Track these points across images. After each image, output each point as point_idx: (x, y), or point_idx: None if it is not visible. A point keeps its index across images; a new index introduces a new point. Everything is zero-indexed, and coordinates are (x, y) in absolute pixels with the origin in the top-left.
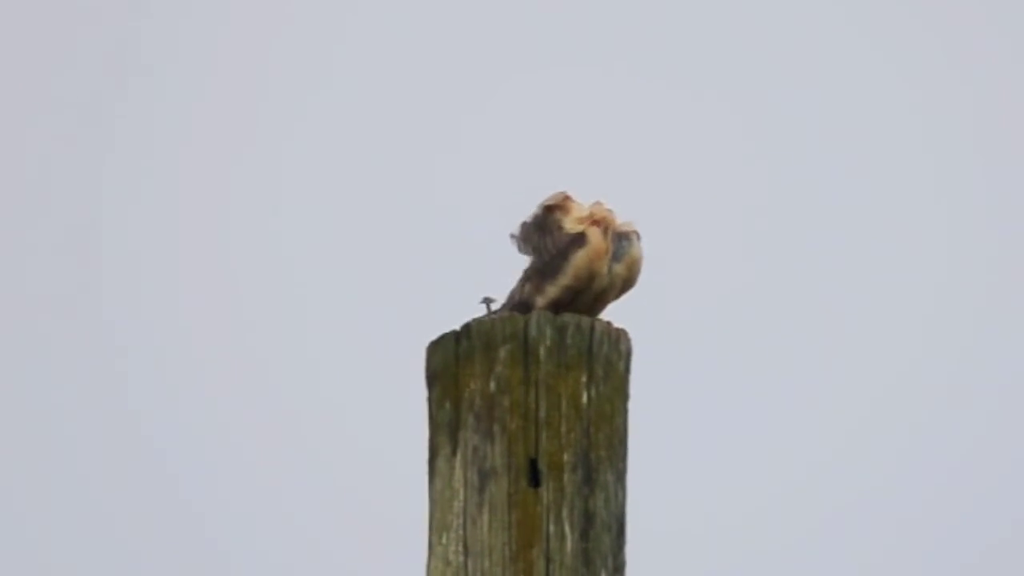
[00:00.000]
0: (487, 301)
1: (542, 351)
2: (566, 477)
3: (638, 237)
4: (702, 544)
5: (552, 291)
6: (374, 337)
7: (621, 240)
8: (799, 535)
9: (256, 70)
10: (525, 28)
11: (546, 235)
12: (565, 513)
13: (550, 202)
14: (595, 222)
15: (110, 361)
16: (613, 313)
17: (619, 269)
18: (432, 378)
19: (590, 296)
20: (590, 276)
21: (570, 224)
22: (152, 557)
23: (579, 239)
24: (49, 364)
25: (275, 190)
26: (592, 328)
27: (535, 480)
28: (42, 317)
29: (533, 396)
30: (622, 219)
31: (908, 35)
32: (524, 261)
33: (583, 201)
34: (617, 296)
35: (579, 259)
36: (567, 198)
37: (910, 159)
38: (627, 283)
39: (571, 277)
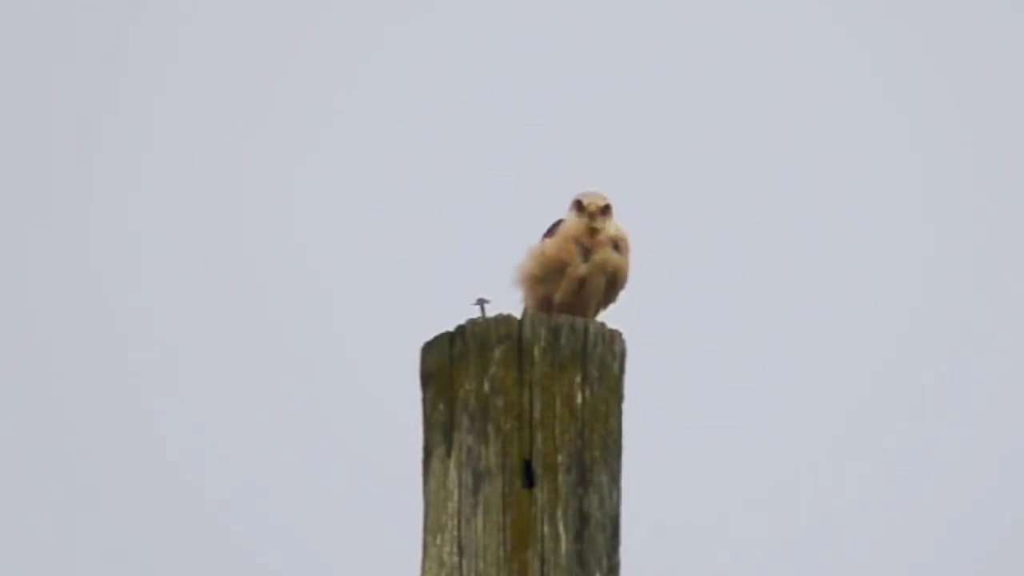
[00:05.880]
0: (481, 302)
1: (536, 352)
2: (560, 478)
3: (619, 243)
4: (699, 544)
5: (529, 267)
6: (369, 337)
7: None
8: (796, 534)
9: (256, 75)
10: (522, 33)
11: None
12: (559, 514)
13: (608, 202)
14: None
15: (114, 361)
16: (608, 314)
17: (598, 260)
18: (426, 379)
19: (571, 288)
20: (559, 261)
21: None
22: (151, 553)
23: (554, 227)
24: (54, 361)
25: (276, 192)
26: (586, 329)
27: (529, 481)
28: (48, 317)
29: (527, 397)
30: (615, 229)
31: (900, 42)
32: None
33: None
34: (608, 289)
35: (546, 246)
36: (609, 207)
37: (908, 160)
38: (611, 281)
39: (536, 261)
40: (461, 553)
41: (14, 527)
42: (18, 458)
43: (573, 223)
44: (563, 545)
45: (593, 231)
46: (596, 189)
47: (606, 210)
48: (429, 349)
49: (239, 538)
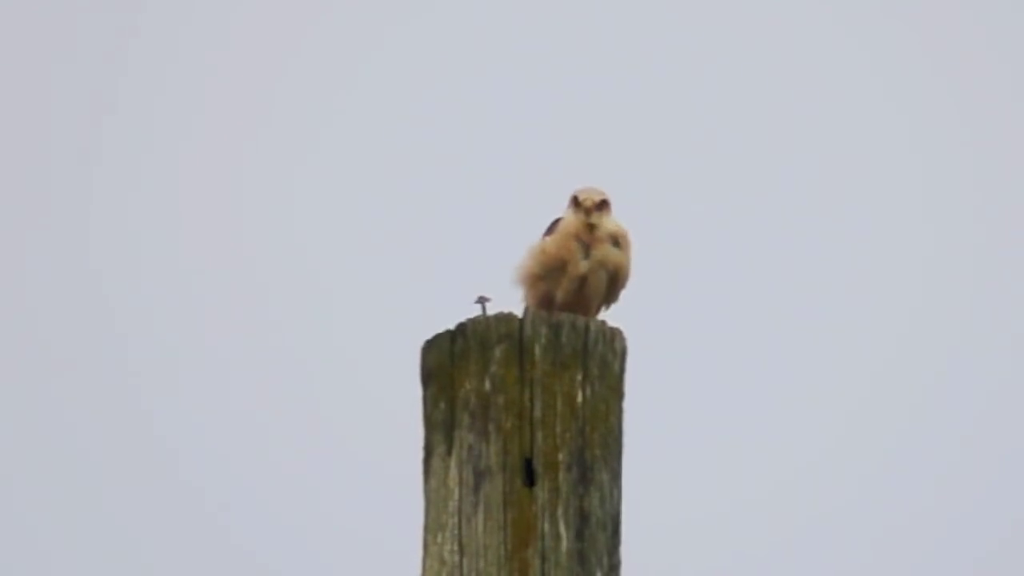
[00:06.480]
0: (482, 300)
1: (537, 350)
2: (561, 476)
3: (619, 239)
4: (699, 544)
5: (529, 265)
6: (369, 337)
7: (603, 240)
8: (796, 534)
9: (256, 75)
10: (522, 33)
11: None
12: (560, 512)
13: (604, 198)
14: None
15: (114, 361)
16: (609, 313)
17: (598, 257)
18: (427, 377)
19: (572, 286)
20: (559, 259)
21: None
22: (151, 553)
23: (554, 225)
24: (54, 361)
25: (276, 192)
26: (587, 327)
27: (530, 479)
28: (48, 317)
29: (528, 395)
30: (615, 225)
31: (900, 42)
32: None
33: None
34: (609, 286)
35: (546, 243)
36: (609, 201)
37: (908, 160)
38: (613, 278)
39: (536, 259)
40: (462, 552)
41: (14, 527)
42: (18, 458)
43: (571, 220)
44: (564, 544)
45: (590, 227)
46: (593, 185)
47: (602, 205)
48: (430, 348)
49: (239, 538)
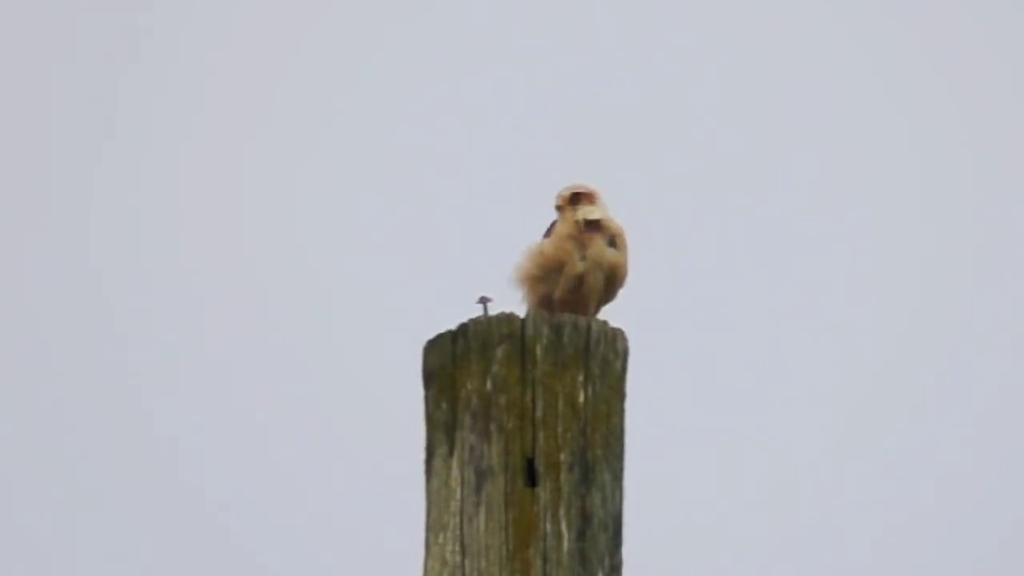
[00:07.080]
0: (484, 301)
1: (539, 350)
2: (563, 477)
3: (616, 238)
4: (699, 543)
5: (527, 266)
6: (369, 337)
7: (601, 238)
8: (796, 534)
9: (256, 75)
10: (522, 33)
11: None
12: (562, 513)
13: (579, 190)
14: (576, 222)
15: (114, 361)
16: (610, 312)
17: (594, 256)
18: (429, 378)
19: (569, 285)
20: (557, 260)
21: (567, 218)
22: (151, 553)
23: (552, 227)
24: (54, 361)
25: (276, 192)
26: (589, 327)
27: (532, 479)
28: (48, 317)
29: (530, 395)
30: (600, 213)
31: (900, 42)
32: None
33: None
34: (607, 286)
35: (544, 245)
36: (592, 193)
37: (908, 160)
38: (610, 277)
39: (534, 260)
40: (463, 552)
41: (14, 527)
42: (18, 458)
43: (562, 222)
44: (565, 544)
45: (577, 223)
46: (572, 182)
47: (577, 198)
48: (431, 348)
49: (239, 538)
